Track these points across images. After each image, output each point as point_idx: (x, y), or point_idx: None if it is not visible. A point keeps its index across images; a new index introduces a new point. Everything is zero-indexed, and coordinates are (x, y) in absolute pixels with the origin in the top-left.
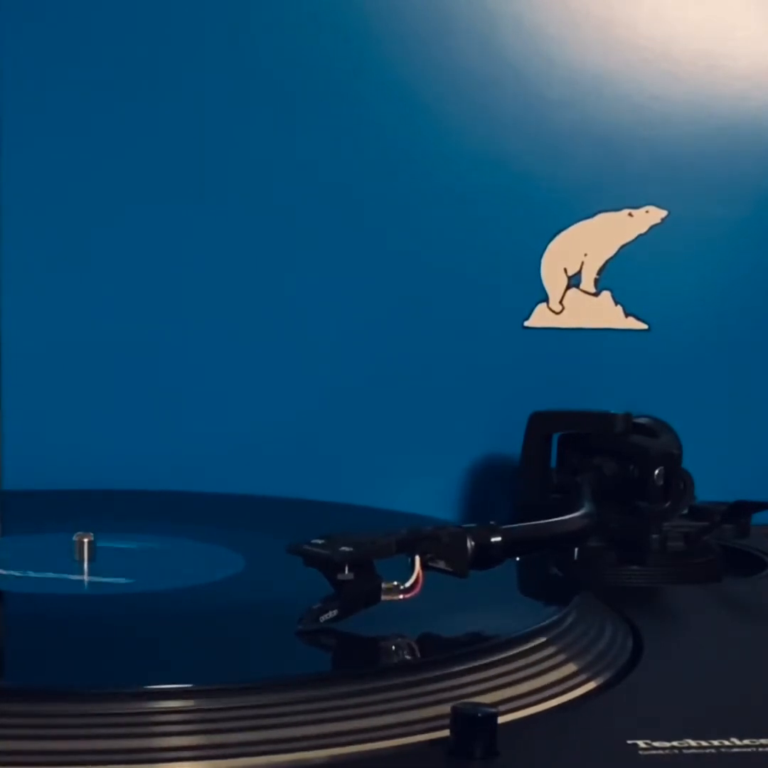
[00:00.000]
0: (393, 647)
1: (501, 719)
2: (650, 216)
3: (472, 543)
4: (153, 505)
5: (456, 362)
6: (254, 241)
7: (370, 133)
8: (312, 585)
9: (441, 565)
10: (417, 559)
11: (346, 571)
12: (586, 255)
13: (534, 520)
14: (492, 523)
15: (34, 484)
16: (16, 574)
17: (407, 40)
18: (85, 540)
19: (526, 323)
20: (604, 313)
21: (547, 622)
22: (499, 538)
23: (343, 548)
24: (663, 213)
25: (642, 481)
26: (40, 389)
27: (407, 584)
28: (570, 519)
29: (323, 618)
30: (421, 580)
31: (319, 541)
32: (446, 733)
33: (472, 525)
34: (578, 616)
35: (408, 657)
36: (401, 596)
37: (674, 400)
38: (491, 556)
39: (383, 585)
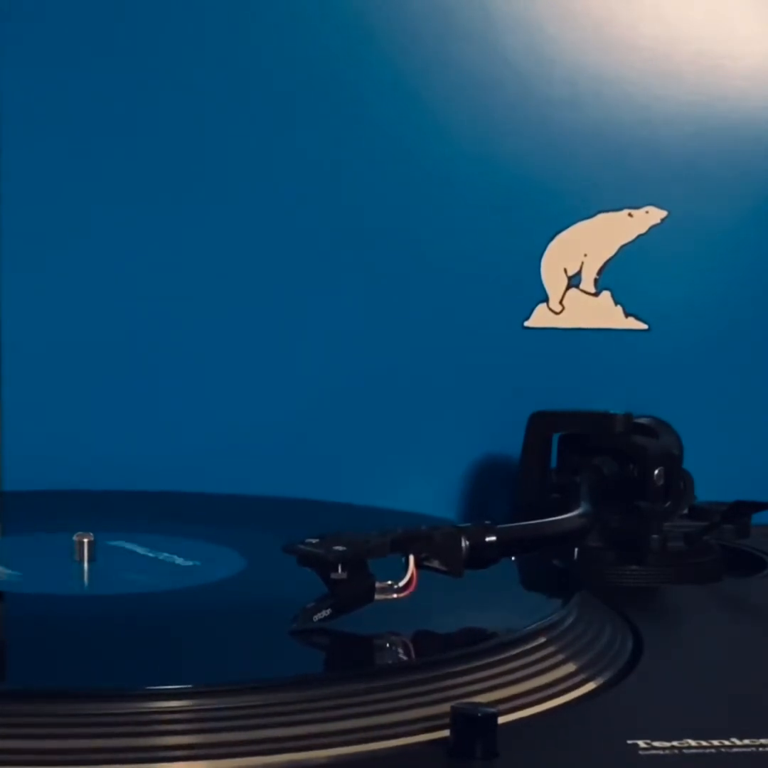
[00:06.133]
0: (394, 647)
1: (501, 719)
2: (650, 216)
3: (467, 543)
4: (153, 505)
5: (456, 362)
6: (254, 241)
7: (369, 133)
8: (312, 585)
9: (436, 564)
10: (411, 558)
11: (340, 571)
12: (586, 255)
13: (533, 521)
14: (487, 522)
15: (34, 484)
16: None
17: (407, 40)
18: (85, 540)
19: (526, 323)
20: (604, 313)
21: (547, 621)
22: (493, 538)
23: (337, 547)
24: (663, 213)
25: (642, 481)
26: (40, 389)
27: (401, 583)
28: (566, 519)
29: (317, 617)
30: (415, 579)
31: (313, 541)
32: (446, 733)
33: (467, 525)
34: (578, 615)
35: (409, 656)
36: (395, 595)
37: (674, 400)
38: (486, 555)
39: (377, 584)
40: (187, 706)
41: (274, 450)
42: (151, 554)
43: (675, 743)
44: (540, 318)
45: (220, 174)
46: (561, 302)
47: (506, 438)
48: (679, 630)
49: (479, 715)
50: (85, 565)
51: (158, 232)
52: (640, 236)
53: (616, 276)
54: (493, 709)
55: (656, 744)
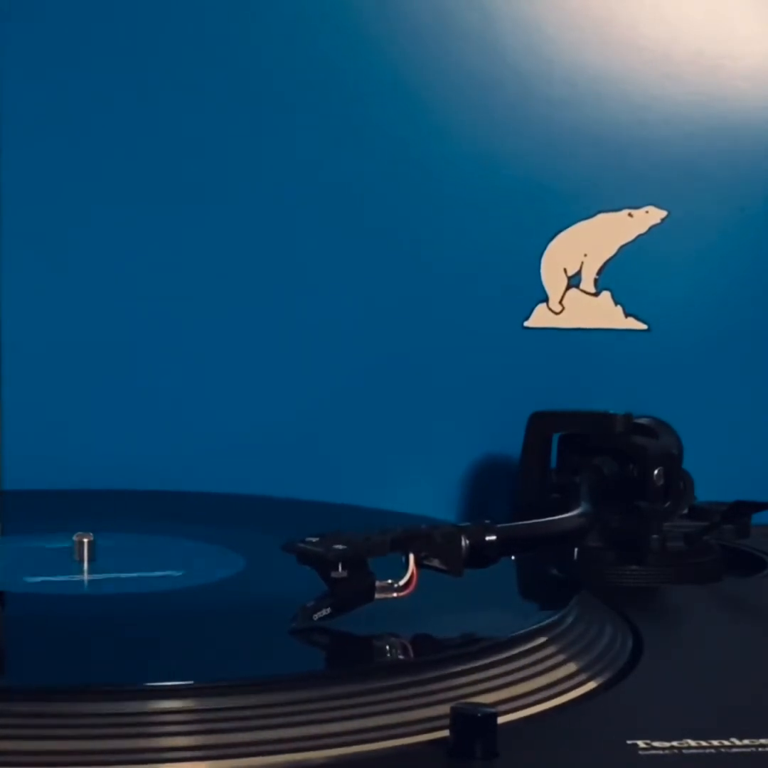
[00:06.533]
0: (394, 646)
1: (501, 719)
2: (650, 216)
3: (467, 542)
4: (153, 505)
5: (456, 362)
6: (255, 242)
7: (369, 133)
8: (312, 585)
9: (435, 563)
10: (411, 557)
11: (340, 569)
12: (586, 255)
13: (533, 520)
14: (487, 521)
15: (34, 484)
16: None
17: (407, 40)
18: (85, 540)
19: (526, 323)
20: (604, 313)
21: (547, 621)
22: (493, 537)
23: (337, 546)
24: (663, 213)
25: (642, 481)
26: (41, 390)
27: (401, 583)
28: (565, 518)
29: (316, 616)
30: (415, 578)
31: (313, 539)
32: (446, 733)
33: (467, 524)
34: (578, 616)
35: (409, 656)
36: (395, 594)
37: (674, 400)
38: (486, 555)
39: (377, 583)
40: (187, 706)
41: (274, 450)
42: (150, 554)
43: (675, 743)
44: (540, 318)
45: (220, 174)
46: (561, 302)
47: (506, 438)
48: (679, 630)
49: (479, 715)
50: (85, 565)
51: (158, 232)
52: (640, 236)
53: (616, 276)
54: (493, 709)
55: (656, 744)
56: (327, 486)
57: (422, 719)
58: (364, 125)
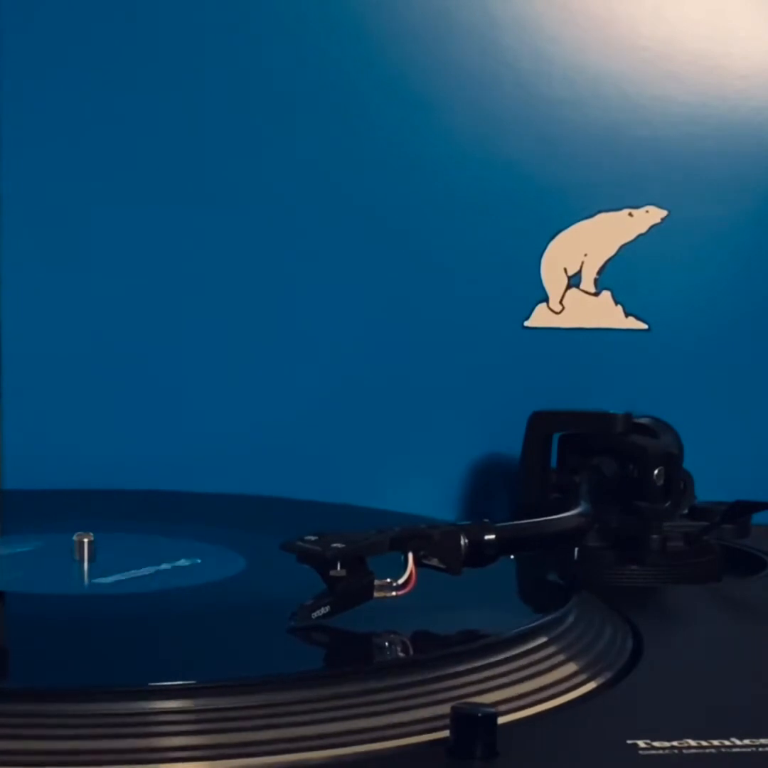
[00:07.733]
0: (394, 646)
1: (501, 719)
2: (650, 216)
3: (466, 541)
4: (153, 505)
5: (456, 362)
6: (253, 242)
7: (369, 133)
8: (312, 585)
9: (434, 562)
10: (410, 556)
11: (339, 568)
12: (586, 255)
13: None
14: (486, 521)
15: (34, 484)
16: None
17: (407, 40)
18: (85, 540)
19: (526, 323)
20: (604, 313)
21: (547, 621)
22: (492, 536)
23: (335, 545)
24: (663, 213)
25: (642, 481)
26: (40, 389)
27: (400, 581)
28: (564, 518)
29: (315, 614)
30: (414, 577)
31: (312, 538)
32: (446, 733)
33: (466, 523)
34: (578, 615)
35: (408, 655)
36: (394, 593)
37: (674, 400)
38: (485, 554)
39: (376, 582)
40: (187, 706)
41: (273, 450)
42: (150, 554)
43: (675, 743)
44: (540, 318)
45: (220, 175)
46: (561, 302)
47: (506, 438)
48: (679, 630)
49: (479, 715)
50: (85, 565)
51: (157, 233)
52: (640, 236)
53: (616, 276)
54: (493, 709)
55: (656, 744)
56: (326, 486)
57: (422, 719)
58: (364, 125)
